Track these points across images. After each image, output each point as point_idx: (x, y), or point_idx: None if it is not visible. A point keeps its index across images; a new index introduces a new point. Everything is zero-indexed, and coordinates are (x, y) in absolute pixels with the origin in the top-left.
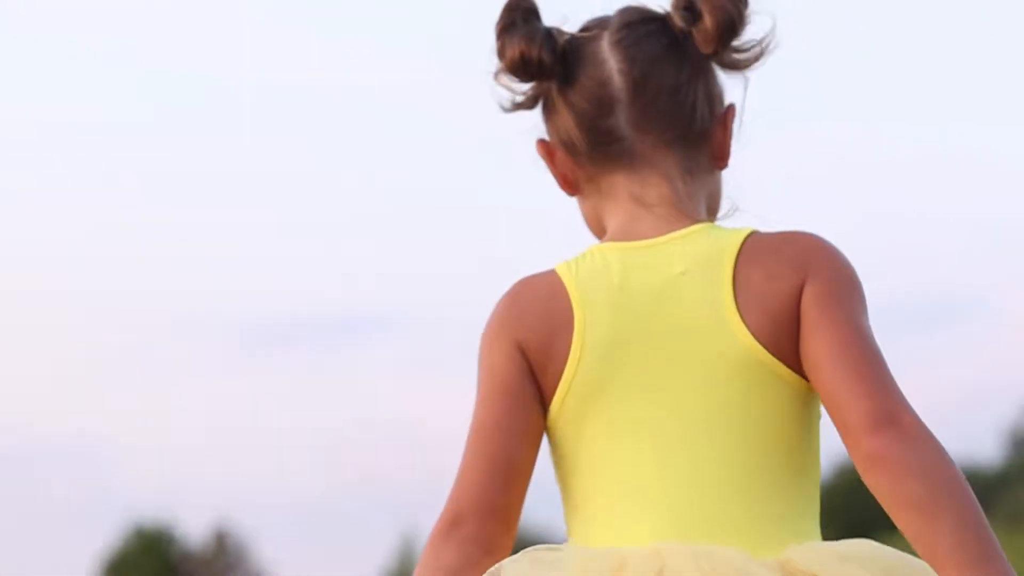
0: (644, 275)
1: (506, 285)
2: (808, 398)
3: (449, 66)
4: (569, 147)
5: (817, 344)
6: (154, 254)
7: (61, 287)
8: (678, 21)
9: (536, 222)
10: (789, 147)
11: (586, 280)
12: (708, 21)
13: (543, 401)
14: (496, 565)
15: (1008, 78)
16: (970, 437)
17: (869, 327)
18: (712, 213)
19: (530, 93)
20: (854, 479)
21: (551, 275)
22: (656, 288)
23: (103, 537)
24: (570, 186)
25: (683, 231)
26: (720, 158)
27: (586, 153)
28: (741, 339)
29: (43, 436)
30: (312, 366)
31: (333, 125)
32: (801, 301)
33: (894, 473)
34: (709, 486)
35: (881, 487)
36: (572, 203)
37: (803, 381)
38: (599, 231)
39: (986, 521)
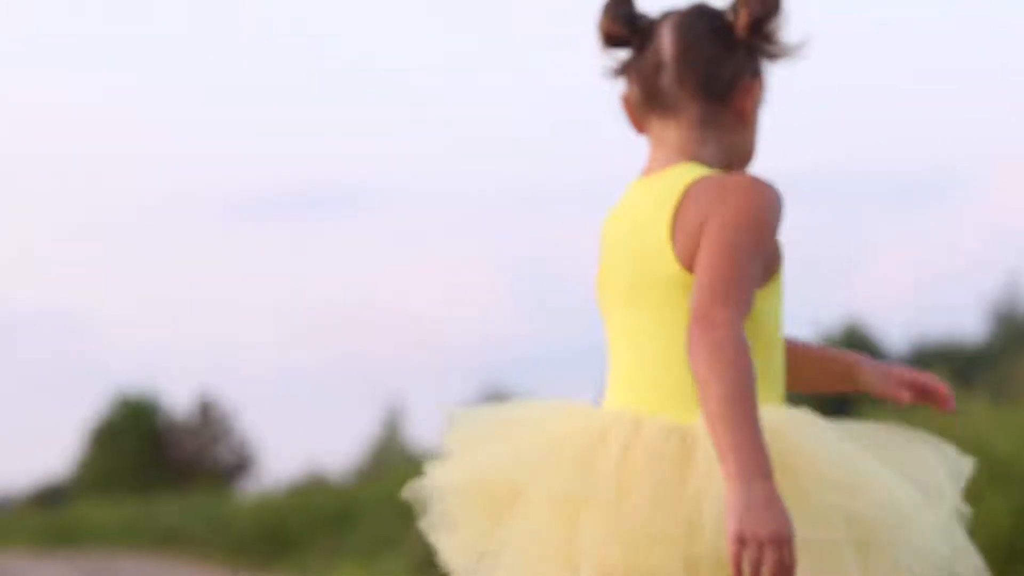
0: (627, 208)
1: (484, 161)
2: None
3: None
4: (635, 98)
5: (698, 259)
6: (138, 124)
7: (46, 157)
8: (728, 15)
9: (511, 100)
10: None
11: (609, 212)
12: (742, 14)
13: None
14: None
15: None
16: (955, 313)
17: (739, 251)
18: (737, 161)
19: (621, 62)
20: None
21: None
22: (632, 218)
23: (89, 407)
24: (637, 127)
25: (668, 169)
26: (741, 117)
27: (642, 103)
28: (671, 264)
29: (27, 307)
30: (297, 239)
31: None
32: (702, 230)
33: (691, 354)
34: (657, 361)
35: (689, 362)
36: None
37: None
38: None
39: (750, 399)
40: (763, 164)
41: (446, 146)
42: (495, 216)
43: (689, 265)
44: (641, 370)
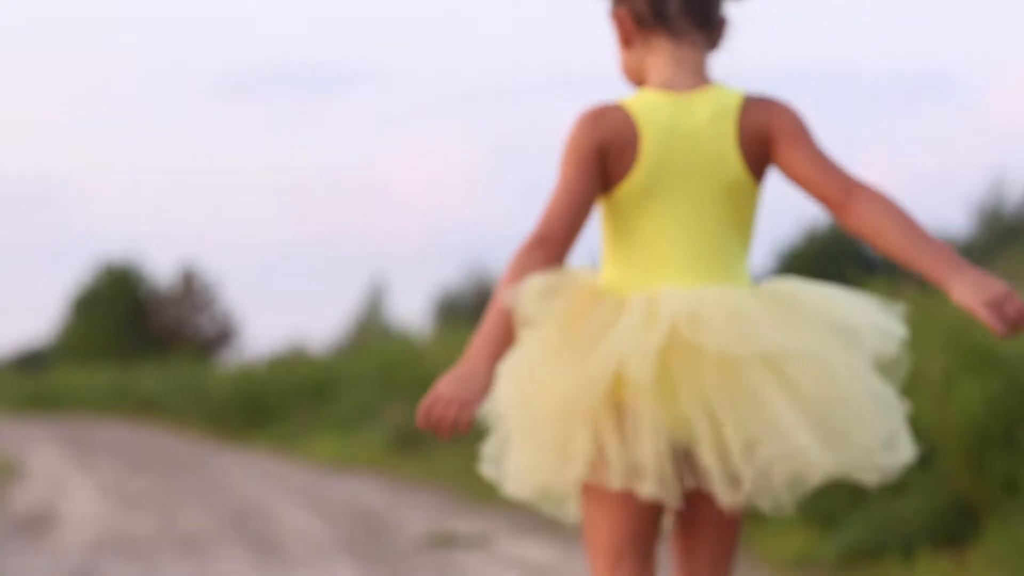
0: (685, 119)
1: (474, 44)
2: (758, 200)
3: None
4: (635, 18)
5: (796, 159)
6: None
7: (27, 24)
8: None
9: None
10: None
11: (646, 115)
12: None
13: (606, 185)
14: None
15: None
16: (941, 211)
17: (821, 143)
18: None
19: None
20: (819, 246)
21: (619, 107)
22: (692, 129)
23: (72, 274)
24: (627, 42)
25: (707, 89)
26: (716, 47)
27: (647, 24)
28: (738, 168)
29: (11, 174)
30: (287, 114)
31: None
32: (771, 140)
33: (867, 208)
34: (710, 248)
35: (865, 227)
36: None
37: (759, 189)
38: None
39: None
40: (757, 60)
41: (438, 26)
42: (485, 98)
43: (752, 169)
44: (708, 252)
